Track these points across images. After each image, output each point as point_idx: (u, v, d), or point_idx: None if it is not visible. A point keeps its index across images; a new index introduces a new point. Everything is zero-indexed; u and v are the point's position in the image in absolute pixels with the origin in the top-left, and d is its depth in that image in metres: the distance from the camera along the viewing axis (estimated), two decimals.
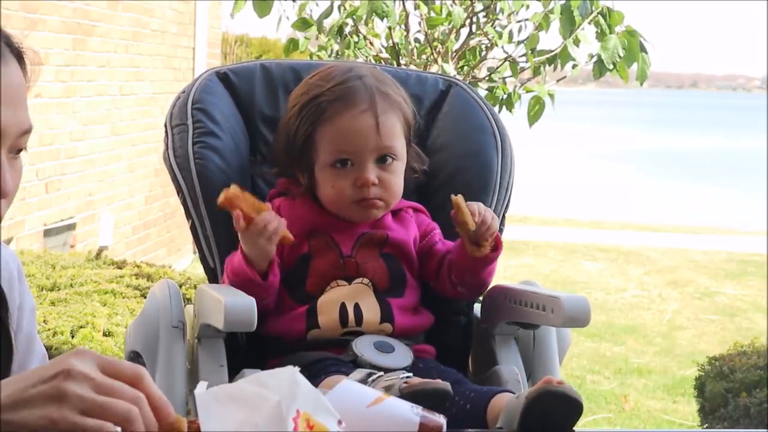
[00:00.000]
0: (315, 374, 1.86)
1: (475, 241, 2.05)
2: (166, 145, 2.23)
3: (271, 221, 1.96)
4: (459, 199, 2.03)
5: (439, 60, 4.72)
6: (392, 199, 2.12)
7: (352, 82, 2.09)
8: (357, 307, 2.06)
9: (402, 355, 2.02)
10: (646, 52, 4.51)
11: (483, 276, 2.12)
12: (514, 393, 1.86)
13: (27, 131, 1.42)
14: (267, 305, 2.02)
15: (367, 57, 4.76)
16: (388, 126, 2.08)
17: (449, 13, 4.68)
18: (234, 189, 1.95)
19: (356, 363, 1.97)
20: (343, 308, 2.05)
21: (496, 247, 2.07)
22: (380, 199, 2.10)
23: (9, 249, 1.64)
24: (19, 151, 1.43)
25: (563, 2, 4.52)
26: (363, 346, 2.00)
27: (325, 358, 1.98)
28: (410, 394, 1.72)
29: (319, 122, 2.09)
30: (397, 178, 2.11)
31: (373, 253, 2.11)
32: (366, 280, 2.09)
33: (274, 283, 2.02)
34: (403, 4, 4.75)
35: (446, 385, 1.76)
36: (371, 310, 2.06)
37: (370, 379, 1.83)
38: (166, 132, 2.24)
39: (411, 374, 1.85)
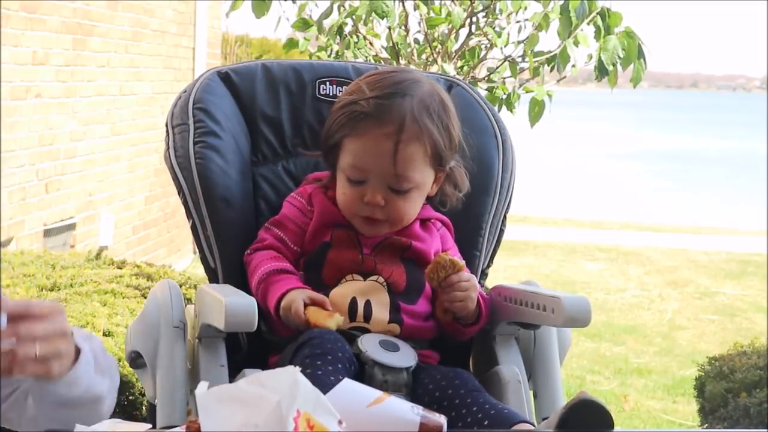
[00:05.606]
0: (302, 358, 1.88)
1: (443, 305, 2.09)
2: (167, 144, 2.23)
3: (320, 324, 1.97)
4: (440, 257, 2.06)
5: (439, 60, 4.72)
6: (398, 221, 2.12)
7: (393, 99, 2.07)
8: (368, 303, 2.06)
9: (406, 355, 2.02)
10: (644, 57, 4.51)
11: (456, 337, 2.15)
12: (534, 426, 1.86)
13: None
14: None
15: (366, 57, 4.75)
16: (407, 154, 2.05)
17: (449, 14, 4.68)
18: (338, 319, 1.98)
19: (359, 358, 1.97)
20: (353, 303, 2.06)
21: (473, 323, 2.11)
22: (385, 219, 2.10)
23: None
24: None
25: (562, 2, 4.52)
26: (368, 343, 2.00)
27: (324, 348, 1.96)
28: None
29: (349, 131, 2.08)
30: (407, 203, 2.10)
31: (393, 257, 2.12)
32: (381, 279, 2.09)
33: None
34: (403, 4, 4.75)
35: None
36: (381, 309, 2.07)
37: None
38: (167, 132, 2.24)
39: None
